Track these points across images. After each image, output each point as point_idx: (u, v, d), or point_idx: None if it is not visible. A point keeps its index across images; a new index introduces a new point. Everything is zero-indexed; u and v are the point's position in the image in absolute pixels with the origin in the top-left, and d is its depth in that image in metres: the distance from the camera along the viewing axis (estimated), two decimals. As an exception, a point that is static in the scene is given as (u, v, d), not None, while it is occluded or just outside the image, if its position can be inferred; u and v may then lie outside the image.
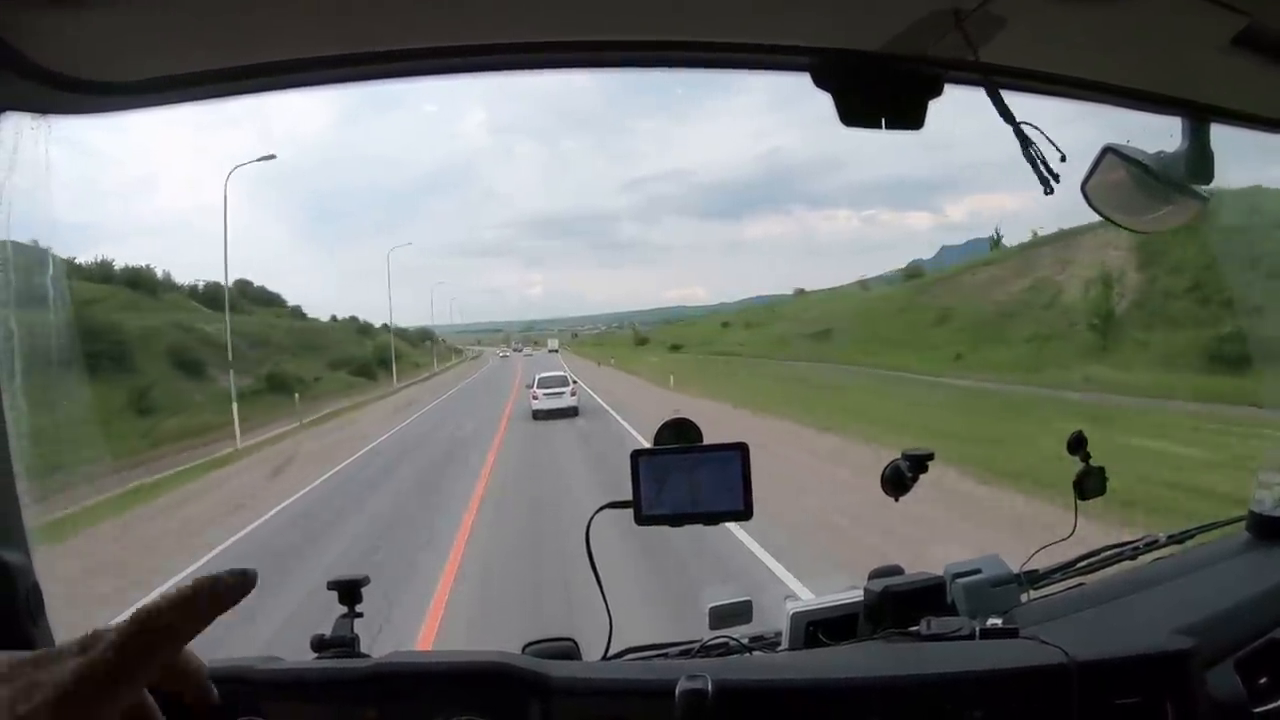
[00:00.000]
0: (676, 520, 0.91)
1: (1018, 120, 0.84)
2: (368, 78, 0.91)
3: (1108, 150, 1.03)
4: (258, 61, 0.84)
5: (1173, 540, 1.23)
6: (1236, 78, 1.03)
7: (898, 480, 1.04)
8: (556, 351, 74.25)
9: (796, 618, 1.02)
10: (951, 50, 0.87)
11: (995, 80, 0.96)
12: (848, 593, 1.07)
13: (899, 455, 1.06)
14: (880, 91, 0.88)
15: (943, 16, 0.82)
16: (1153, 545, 1.20)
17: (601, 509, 0.96)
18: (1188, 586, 1.13)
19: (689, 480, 0.90)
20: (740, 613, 1.04)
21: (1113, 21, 0.88)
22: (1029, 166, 0.85)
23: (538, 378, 17.45)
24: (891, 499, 1.07)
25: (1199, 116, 1.07)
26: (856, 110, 0.88)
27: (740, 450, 0.91)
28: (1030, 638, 0.90)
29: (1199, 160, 1.07)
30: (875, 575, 1.07)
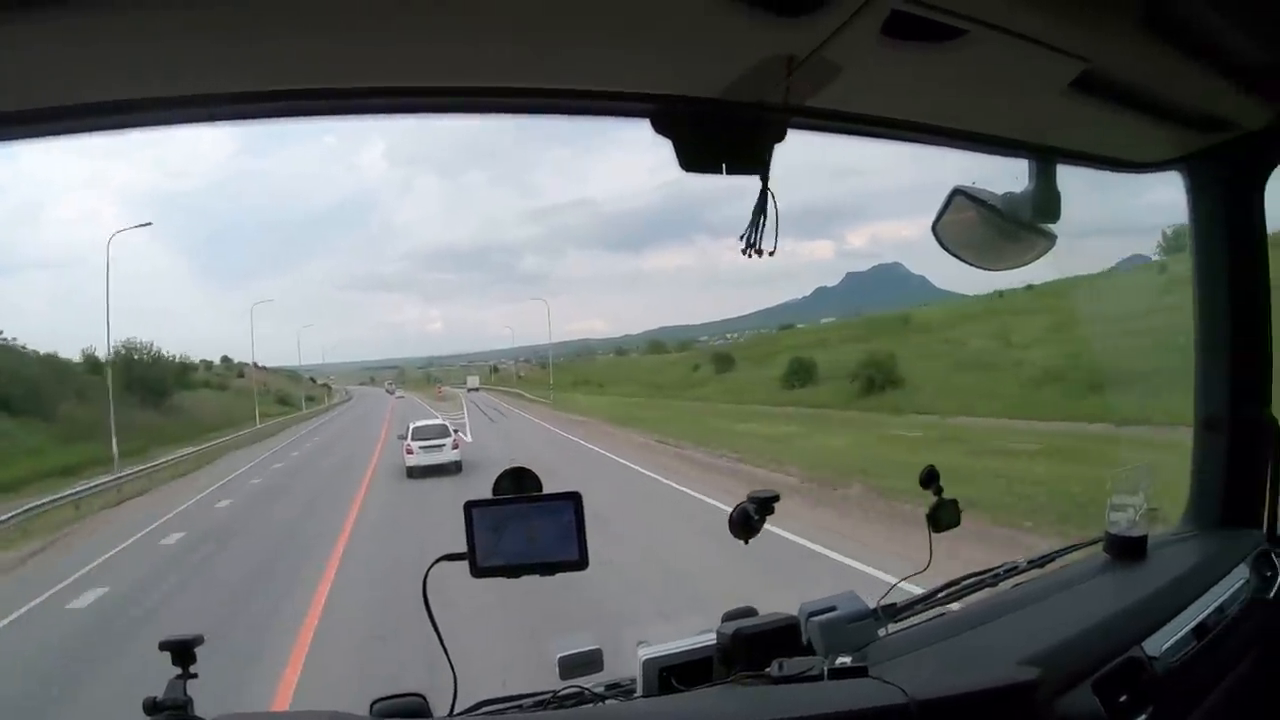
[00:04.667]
0: (513, 571, 0.89)
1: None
2: (251, 116, 0.89)
3: (957, 192, 1.06)
4: (150, 96, 0.80)
5: (1033, 565, 1.26)
6: (1077, 120, 1.06)
7: (745, 523, 1.04)
8: (478, 390, 51.82)
9: (649, 664, 1.01)
10: (795, 96, 0.87)
11: (838, 125, 0.97)
12: (701, 636, 1.06)
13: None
14: (721, 137, 0.88)
15: (775, 63, 0.82)
16: (1013, 571, 1.23)
17: (437, 561, 0.93)
18: (1046, 611, 1.16)
19: (526, 530, 0.88)
20: (591, 661, 1.02)
21: (951, 68, 0.90)
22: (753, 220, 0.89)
23: (411, 427, 14.01)
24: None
25: (1044, 158, 1.11)
26: (696, 156, 0.88)
27: (574, 499, 0.89)
28: (876, 677, 0.91)
29: (1045, 200, 1.11)
30: (729, 617, 1.07)
